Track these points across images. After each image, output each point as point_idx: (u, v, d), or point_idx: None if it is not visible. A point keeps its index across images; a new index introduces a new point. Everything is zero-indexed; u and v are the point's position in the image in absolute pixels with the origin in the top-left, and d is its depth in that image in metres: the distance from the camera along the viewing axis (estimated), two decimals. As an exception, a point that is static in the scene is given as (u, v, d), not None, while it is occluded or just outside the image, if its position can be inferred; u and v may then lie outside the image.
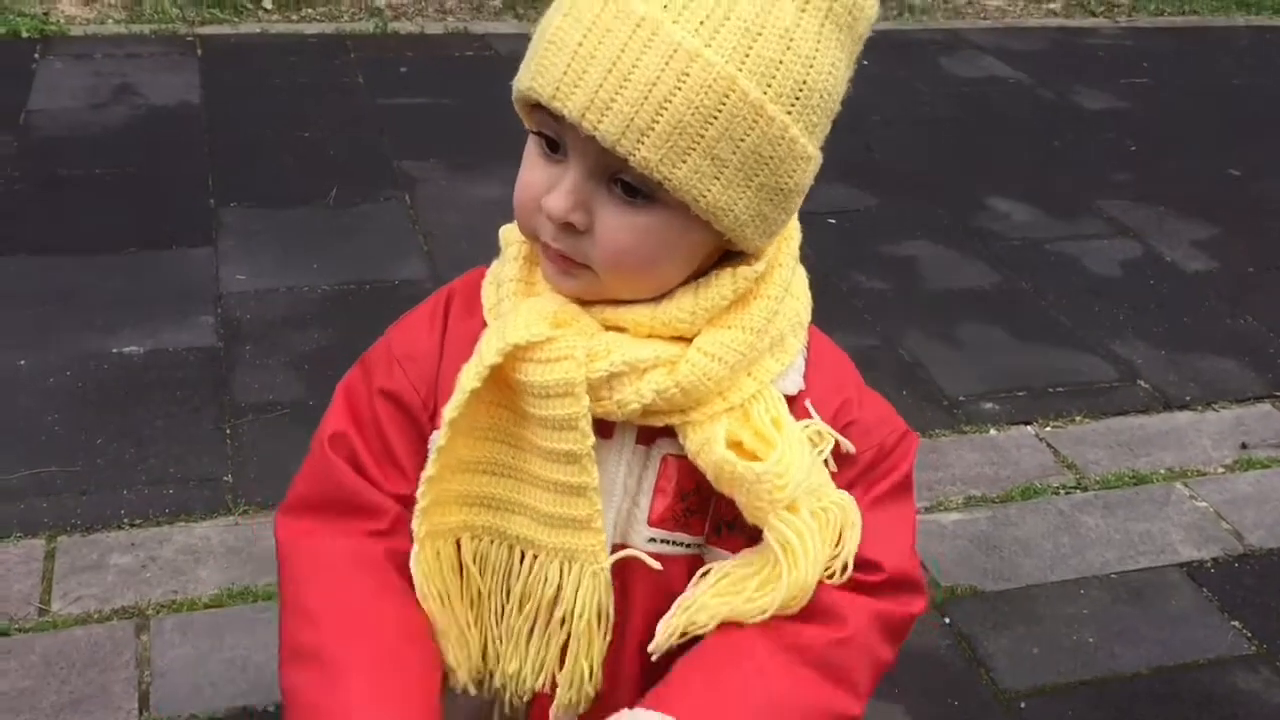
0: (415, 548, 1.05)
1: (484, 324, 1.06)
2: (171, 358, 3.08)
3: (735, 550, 1.06)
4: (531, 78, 0.94)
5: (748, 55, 0.89)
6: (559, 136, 0.96)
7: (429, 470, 1.03)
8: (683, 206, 0.93)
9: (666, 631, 1.04)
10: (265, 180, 4.01)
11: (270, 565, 2.47)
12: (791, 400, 1.05)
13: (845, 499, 1.04)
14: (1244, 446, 3.05)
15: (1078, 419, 3.14)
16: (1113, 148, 4.81)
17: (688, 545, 1.07)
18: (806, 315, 1.09)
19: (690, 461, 1.02)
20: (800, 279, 1.10)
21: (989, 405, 3.15)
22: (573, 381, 0.97)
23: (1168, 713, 2.27)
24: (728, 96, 0.89)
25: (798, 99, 0.92)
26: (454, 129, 4.51)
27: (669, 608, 1.06)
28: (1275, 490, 2.89)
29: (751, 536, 1.05)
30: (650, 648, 1.05)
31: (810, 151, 0.96)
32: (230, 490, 2.65)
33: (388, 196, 4.00)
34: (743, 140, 0.91)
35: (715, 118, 0.89)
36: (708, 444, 0.99)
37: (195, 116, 4.41)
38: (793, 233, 1.08)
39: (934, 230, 4.04)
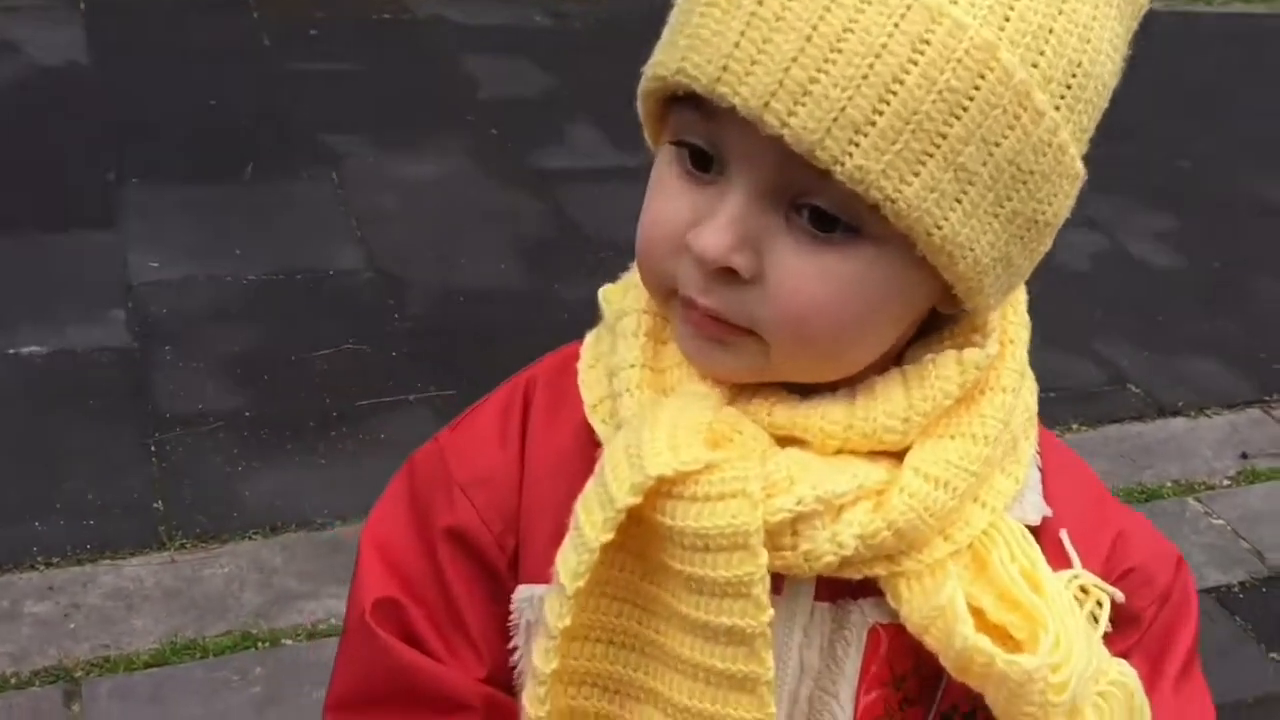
0: None
1: (586, 428, 0.77)
2: (80, 360, 2.68)
3: None
4: (682, 57, 0.65)
5: (1008, 18, 0.63)
6: (714, 146, 0.68)
7: (548, 663, 0.70)
8: (901, 243, 0.66)
9: None
10: (170, 153, 3.58)
11: (220, 610, 2.15)
12: (1034, 531, 0.76)
13: (1129, 676, 0.76)
14: (1244, 456, 2.94)
15: (1075, 427, 2.98)
16: (1061, 135, 4.69)
17: None
18: (1035, 404, 0.81)
19: (908, 633, 0.73)
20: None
21: (985, 413, 2.96)
22: (746, 530, 0.66)
23: (1223, 759, 2.11)
24: (984, 75, 0.62)
25: (1069, 88, 0.66)
26: (378, 99, 4.12)
27: None
28: (1286, 505, 2.78)
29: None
30: None
31: (1078, 167, 0.69)
32: (163, 520, 2.29)
33: (311, 174, 3.61)
34: (999, 143, 0.64)
35: (965, 107, 0.62)
36: (941, 619, 0.70)
37: (85, 79, 3.93)
38: (1020, 294, 0.81)
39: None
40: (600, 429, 0.76)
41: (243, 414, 2.59)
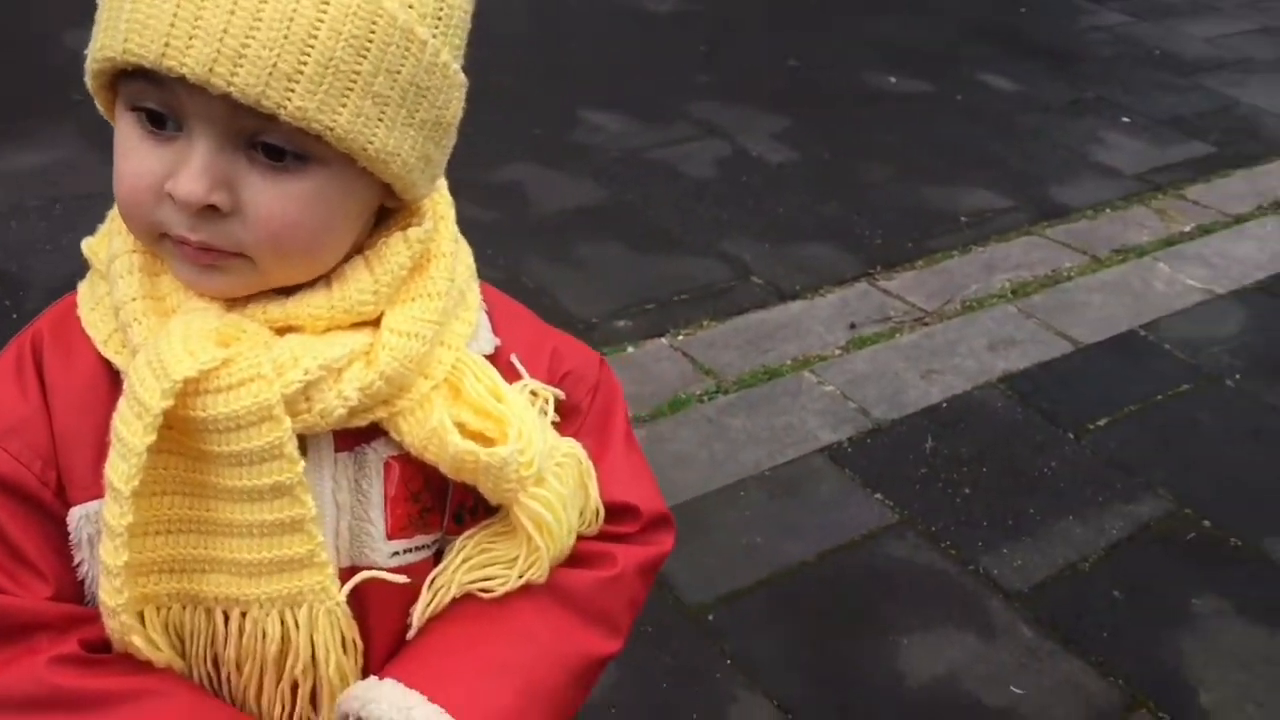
0: (135, 640, 0.86)
1: (100, 363, 0.89)
2: None
3: None
4: (125, 39, 0.77)
5: None
6: (168, 107, 0.80)
7: (118, 558, 0.83)
8: (343, 161, 0.82)
9: (421, 617, 0.95)
10: None
11: None
12: (490, 360, 0.96)
13: (576, 448, 0.98)
14: (852, 326, 3.26)
15: (705, 324, 3.22)
16: (686, 50, 4.93)
17: (429, 545, 0.97)
18: (473, 264, 1.00)
19: (413, 459, 0.91)
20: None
21: (622, 323, 3.16)
22: (269, 404, 0.82)
23: (839, 593, 2.40)
24: (376, 21, 0.78)
25: (440, 18, 0.83)
26: (-25, 89, 3.89)
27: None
28: (887, 364, 3.11)
29: (492, 512, 0.97)
30: (409, 636, 0.96)
31: (461, 77, 0.87)
32: None
33: (-94, 178, 3.39)
34: (399, 71, 0.80)
35: (368, 48, 0.78)
36: (435, 437, 0.89)
37: None
38: (442, 180, 0.98)
39: (533, 150, 3.98)
40: (115, 359, 0.87)
41: None
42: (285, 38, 0.75)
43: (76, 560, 0.89)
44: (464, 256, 0.97)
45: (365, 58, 0.78)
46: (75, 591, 0.89)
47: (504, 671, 0.93)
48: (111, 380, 0.88)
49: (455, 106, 0.87)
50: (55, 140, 3.62)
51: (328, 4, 0.76)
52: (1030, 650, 2.31)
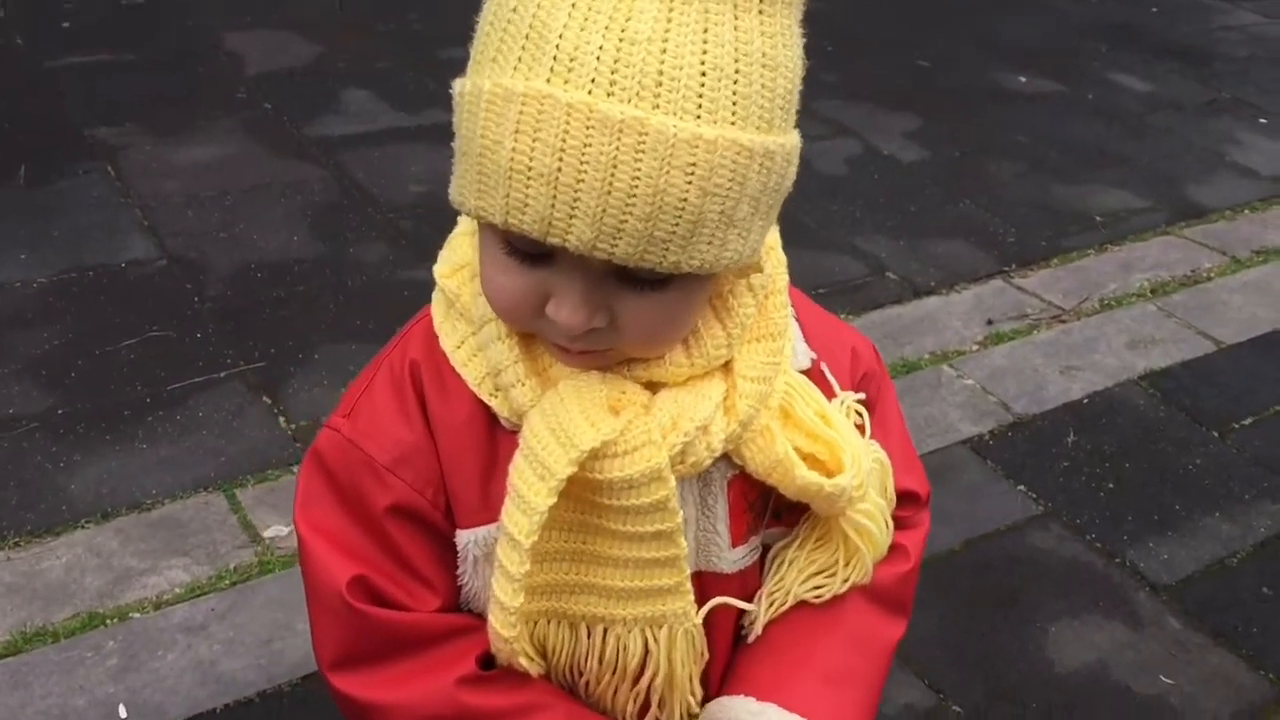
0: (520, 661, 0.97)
1: (476, 401, 0.94)
2: (-123, 383, 2.68)
3: (791, 525, 1.06)
4: (505, 213, 0.78)
5: (735, 103, 0.77)
6: (544, 250, 0.82)
7: (515, 600, 0.91)
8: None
9: (762, 623, 1.06)
10: (-65, 165, 3.53)
11: (65, 597, 2.24)
12: (806, 373, 1.00)
13: (880, 453, 1.04)
14: (989, 323, 3.30)
15: (843, 317, 3.26)
16: (813, 49, 4.97)
17: (759, 546, 1.06)
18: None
19: (749, 475, 0.98)
20: None
21: (762, 315, 3.24)
22: (659, 467, 0.89)
23: (987, 580, 2.45)
24: (737, 160, 0.78)
25: (784, 108, 0.81)
26: (144, 88, 4.11)
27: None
28: (1025, 360, 3.15)
29: (806, 506, 1.02)
30: (750, 640, 1.06)
31: (797, 139, 0.85)
32: (-8, 523, 2.36)
33: (87, 169, 3.61)
34: (756, 187, 0.80)
35: (730, 189, 0.78)
36: (781, 467, 0.95)
37: None
38: None
39: (669, 147, 4.07)
40: (490, 402, 0.94)
41: (56, 412, 2.65)
42: (659, 210, 0.76)
43: (460, 572, 0.98)
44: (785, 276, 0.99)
45: (729, 197, 0.78)
46: (457, 600, 1.00)
47: (849, 680, 1.04)
48: (488, 418, 0.95)
49: (794, 172, 0.85)
50: (223, 136, 3.82)
51: (694, 167, 0.75)
52: (1179, 642, 2.34)
